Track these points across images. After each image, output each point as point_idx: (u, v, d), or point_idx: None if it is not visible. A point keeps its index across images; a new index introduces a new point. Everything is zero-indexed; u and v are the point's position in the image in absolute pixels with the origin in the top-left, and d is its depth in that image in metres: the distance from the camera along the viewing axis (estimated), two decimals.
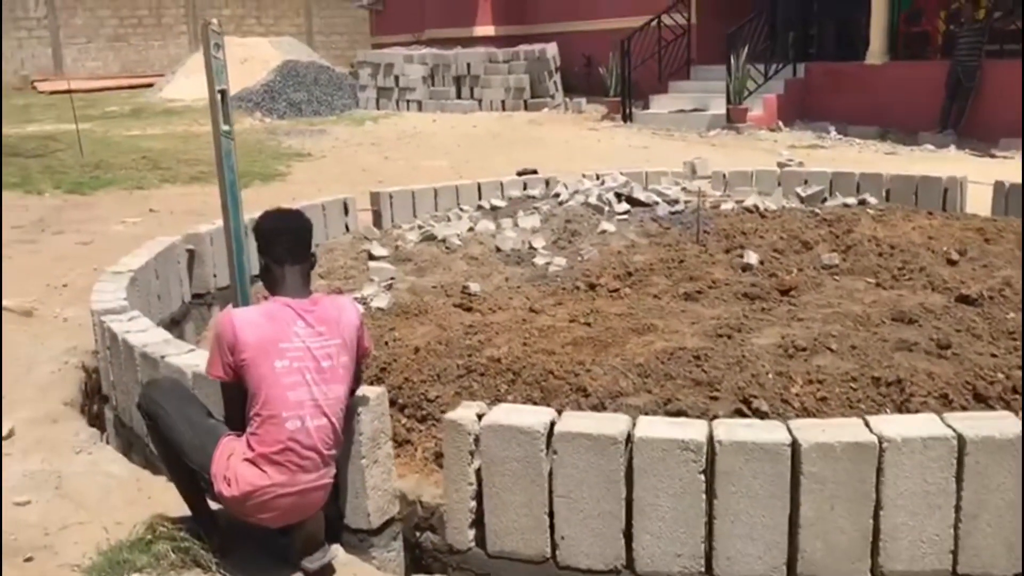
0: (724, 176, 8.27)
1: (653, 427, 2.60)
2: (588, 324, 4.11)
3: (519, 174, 9.06)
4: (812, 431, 2.53)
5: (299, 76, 17.32)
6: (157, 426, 2.78)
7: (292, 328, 2.67)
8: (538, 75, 16.54)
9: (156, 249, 5.41)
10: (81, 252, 7.13)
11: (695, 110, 13.82)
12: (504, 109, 16.56)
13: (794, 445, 2.49)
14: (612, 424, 2.63)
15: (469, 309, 4.50)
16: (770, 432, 2.54)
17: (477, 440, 2.74)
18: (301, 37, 24.21)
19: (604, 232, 5.66)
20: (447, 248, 5.65)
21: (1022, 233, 5.41)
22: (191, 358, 3.41)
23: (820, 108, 13.15)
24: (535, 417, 2.69)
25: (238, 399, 2.70)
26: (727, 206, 6.40)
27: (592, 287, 4.77)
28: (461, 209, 6.93)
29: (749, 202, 6.41)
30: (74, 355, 4.90)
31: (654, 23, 14.72)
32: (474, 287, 4.83)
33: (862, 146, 11.69)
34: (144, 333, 3.75)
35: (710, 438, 2.55)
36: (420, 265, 5.34)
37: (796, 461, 2.49)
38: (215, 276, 6.11)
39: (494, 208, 6.90)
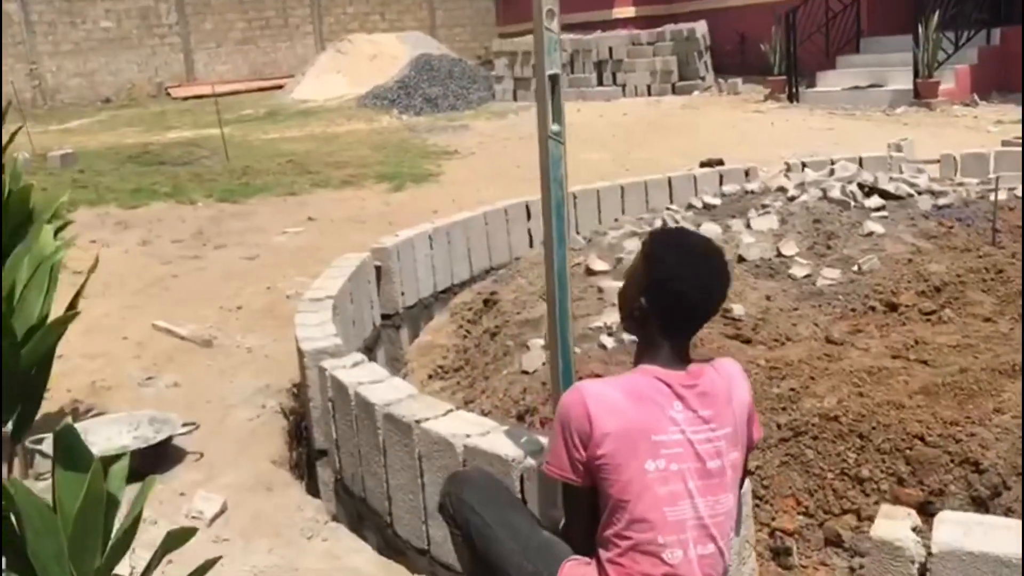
0: (955, 160, 7.17)
1: None
2: (925, 362, 3.20)
3: (703, 165, 8.13)
4: None
5: (433, 70, 16.72)
6: (470, 537, 2.01)
7: (668, 413, 1.84)
8: (686, 56, 15.47)
9: (348, 269, 4.74)
10: (248, 268, 6.59)
11: (872, 86, 12.52)
12: (650, 94, 15.55)
13: None
14: None
15: (748, 341, 3.63)
16: None
17: (923, 569, 1.88)
18: (424, 31, 23.72)
19: (871, 234, 4.70)
20: None
21: (1022, 218, 4.44)
22: (455, 424, 2.66)
23: (1021, 78, 11.69)
24: (1014, 540, 1.80)
25: (587, 508, 1.89)
26: (1000, 196, 5.33)
27: (892, 307, 3.84)
28: (669, 209, 6.06)
29: None
30: (268, 395, 4.27)
31: None
32: (737, 309, 3.96)
33: None
34: (380, 385, 3.02)
35: None
36: None
37: None
38: (403, 294, 5.45)
39: (707, 207, 6.00)
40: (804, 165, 7.27)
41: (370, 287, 5.10)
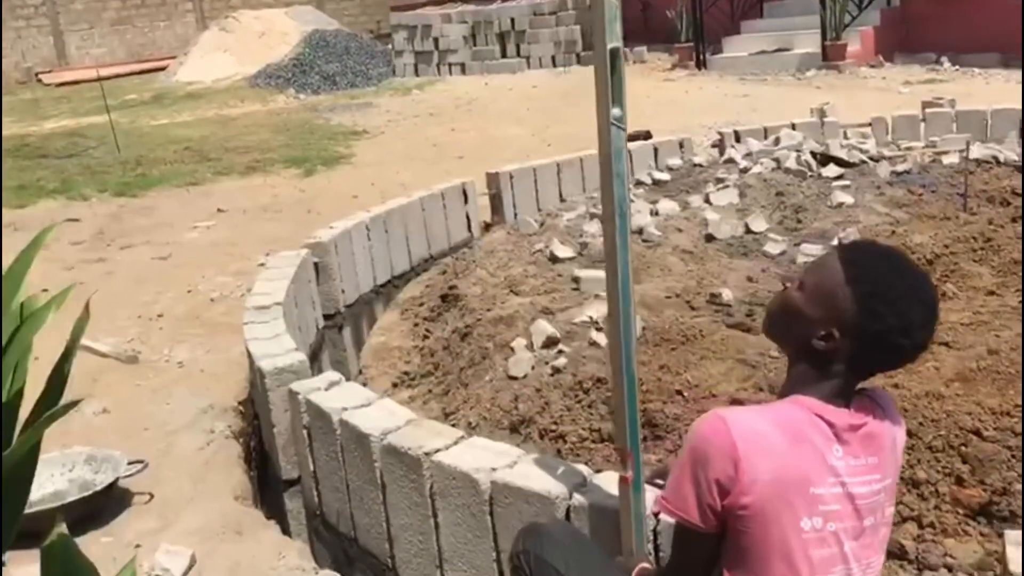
0: (887, 123, 7.13)
1: None
2: (947, 344, 3.01)
3: (631, 138, 7.88)
4: None
5: (329, 46, 16.01)
6: None
7: (828, 461, 1.48)
8: (590, 25, 15.19)
9: (289, 269, 4.30)
10: (162, 269, 6.02)
11: (778, 50, 12.54)
12: (555, 65, 15.26)
13: None
14: None
15: (748, 329, 3.39)
16: None
17: None
18: (312, 5, 22.78)
19: (840, 205, 4.54)
20: (644, 240, 4.53)
21: (1022, 186, 4.41)
22: (473, 454, 2.31)
23: (923, 38, 11.87)
24: None
25: (708, 558, 1.54)
26: (950, 159, 5.27)
27: None
28: None
29: (979, 153, 5.28)
30: (214, 417, 3.82)
31: None
32: (725, 294, 3.73)
33: (986, 76, 10.47)
34: (369, 410, 2.64)
35: None
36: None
37: None
38: (343, 292, 5.03)
39: (657, 183, 5.77)
40: (737, 135, 7.11)
41: (311, 287, 4.67)
